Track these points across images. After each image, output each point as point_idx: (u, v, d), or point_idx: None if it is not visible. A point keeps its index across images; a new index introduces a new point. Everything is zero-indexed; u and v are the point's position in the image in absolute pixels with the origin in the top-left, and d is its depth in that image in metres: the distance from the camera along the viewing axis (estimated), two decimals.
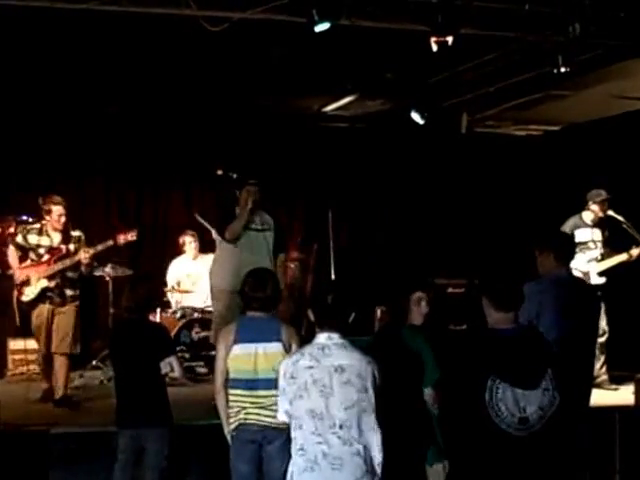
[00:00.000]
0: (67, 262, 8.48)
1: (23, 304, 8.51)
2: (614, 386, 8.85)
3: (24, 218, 8.88)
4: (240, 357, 5.54)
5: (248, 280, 5.76)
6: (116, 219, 11.66)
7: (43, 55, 8.55)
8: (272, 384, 5.30)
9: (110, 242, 8.68)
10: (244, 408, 5.53)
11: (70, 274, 8.56)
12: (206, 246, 10.56)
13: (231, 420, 5.60)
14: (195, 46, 8.14)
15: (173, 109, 10.80)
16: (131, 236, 8.82)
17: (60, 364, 8.43)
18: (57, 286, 8.49)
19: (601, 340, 8.73)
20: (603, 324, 8.74)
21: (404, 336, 5.26)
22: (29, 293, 8.45)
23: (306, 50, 8.27)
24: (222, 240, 8.16)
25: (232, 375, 5.58)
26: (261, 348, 5.51)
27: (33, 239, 8.56)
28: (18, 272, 8.51)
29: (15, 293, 8.55)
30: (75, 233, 8.68)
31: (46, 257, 8.52)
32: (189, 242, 10.84)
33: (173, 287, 10.70)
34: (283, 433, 5.31)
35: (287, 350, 5.47)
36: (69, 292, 8.57)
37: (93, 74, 9.23)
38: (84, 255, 8.48)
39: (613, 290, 8.99)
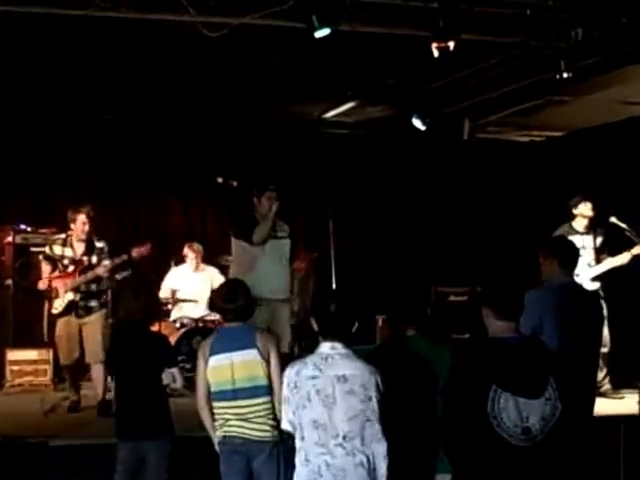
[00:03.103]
0: (89, 275, 8.55)
1: (52, 316, 8.61)
2: (619, 395, 8.78)
3: (22, 227, 8.87)
4: (217, 368, 5.55)
5: (219, 292, 5.82)
6: (114, 228, 11.63)
7: (40, 61, 8.58)
8: (252, 393, 5.43)
9: (124, 256, 8.65)
10: (227, 420, 5.54)
11: (93, 286, 8.64)
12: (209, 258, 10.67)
13: (217, 433, 5.62)
14: (194, 52, 8.13)
15: (171, 116, 10.79)
16: (144, 249, 8.71)
17: (96, 371, 8.50)
18: (82, 299, 8.57)
19: (604, 350, 8.69)
20: (605, 333, 8.69)
21: (413, 344, 5.18)
22: (57, 306, 8.52)
23: (306, 56, 8.24)
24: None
25: (213, 388, 5.59)
26: (236, 357, 5.50)
27: (58, 250, 8.62)
28: (46, 282, 8.56)
29: (47, 306, 8.68)
30: (99, 244, 8.71)
31: (71, 268, 8.59)
32: (192, 255, 10.77)
33: (173, 294, 10.63)
34: (266, 445, 5.42)
35: (265, 357, 5.48)
36: (93, 303, 8.63)
37: (90, 81, 9.23)
38: (102, 270, 8.55)
39: (618, 297, 8.96)
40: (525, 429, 3.93)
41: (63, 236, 8.67)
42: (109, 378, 8.05)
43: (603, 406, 7.61)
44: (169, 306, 10.63)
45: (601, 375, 8.66)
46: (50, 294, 8.53)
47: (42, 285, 8.57)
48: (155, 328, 9.64)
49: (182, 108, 10.46)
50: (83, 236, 8.61)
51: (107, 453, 6.31)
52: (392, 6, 7.42)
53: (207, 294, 10.59)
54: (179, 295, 10.63)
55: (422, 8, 7.39)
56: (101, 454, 6.59)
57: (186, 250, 10.82)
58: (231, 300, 5.63)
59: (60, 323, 8.55)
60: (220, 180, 8.97)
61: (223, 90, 9.70)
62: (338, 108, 11.09)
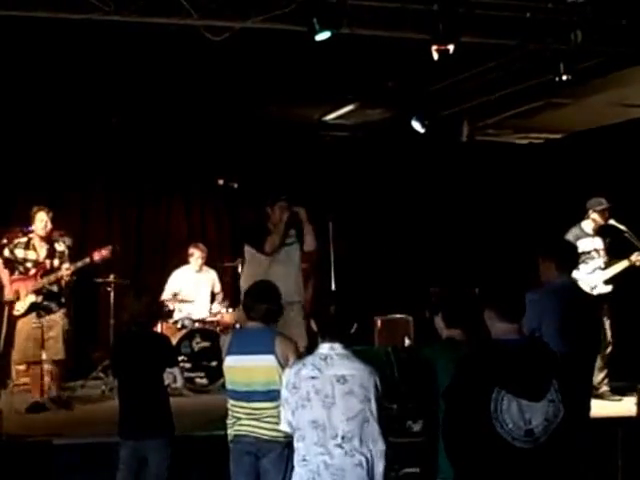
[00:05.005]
0: (51, 278, 8.77)
1: (13, 318, 8.71)
2: (617, 397, 8.77)
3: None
4: (233, 368, 5.58)
5: (250, 291, 5.79)
6: (117, 229, 11.68)
7: (45, 66, 8.57)
8: (266, 397, 5.40)
9: (87, 260, 8.93)
10: (239, 419, 5.55)
11: (54, 287, 8.85)
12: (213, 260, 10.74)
13: (229, 431, 5.63)
14: (196, 55, 8.15)
15: (174, 119, 10.79)
16: (105, 252, 8.99)
17: (52, 370, 8.74)
18: (43, 300, 8.77)
19: (606, 352, 8.70)
20: (608, 336, 8.70)
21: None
22: (19, 308, 8.69)
23: (307, 59, 8.26)
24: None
25: (227, 385, 5.63)
26: (253, 360, 5.50)
27: (20, 253, 8.82)
28: (9, 287, 8.75)
29: (7, 308, 8.71)
30: (59, 248, 8.94)
31: (33, 271, 8.79)
32: (197, 255, 10.80)
33: (174, 295, 10.66)
34: (277, 445, 5.38)
35: (282, 363, 5.43)
36: (53, 305, 8.85)
37: (95, 85, 9.23)
38: (65, 272, 8.77)
39: (615, 300, 8.96)
40: (528, 431, 3.90)
41: (25, 239, 8.84)
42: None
43: (601, 408, 7.65)
44: (171, 307, 10.66)
45: (601, 376, 8.69)
46: (11, 296, 8.69)
47: (10, 290, 8.70)
48: (157, 329, 9.71)
49: (184, 111, 10.47)
50: (43, 233, 8.81)
51: (110, 452, 6.34)
52: (392, 9, 7.43)
53: (207, 296, 10.68)
54: (181, 296, 10.67)
55: (422, 11, 7.40)
56: (104, 453, 6.62)
57: (192, 249, 10.84)
58: (262, 300, 5.62)
59: (20, 323, 8.70)
60: (221, 182, 9.02)
61: (224, 93, 9.71)
62: (338, 111, 11.09)
